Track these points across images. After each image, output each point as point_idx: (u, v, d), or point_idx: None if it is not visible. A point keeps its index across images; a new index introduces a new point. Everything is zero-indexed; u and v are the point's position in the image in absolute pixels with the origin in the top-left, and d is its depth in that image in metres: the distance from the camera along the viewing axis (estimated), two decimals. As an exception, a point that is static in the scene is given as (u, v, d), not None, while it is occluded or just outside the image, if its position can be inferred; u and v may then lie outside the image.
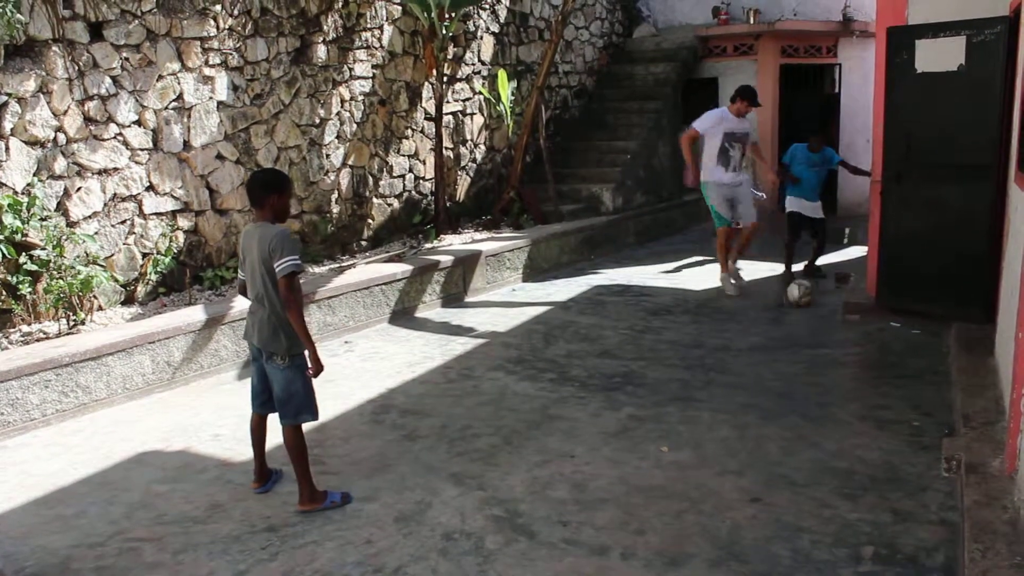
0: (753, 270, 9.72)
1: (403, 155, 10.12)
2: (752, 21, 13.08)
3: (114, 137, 7.13)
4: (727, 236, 8.80)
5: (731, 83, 13.13)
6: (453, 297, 8.70)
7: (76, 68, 6.81)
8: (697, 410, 5.49)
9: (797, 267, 9.45)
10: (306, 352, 4.20)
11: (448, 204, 10.48)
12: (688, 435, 5.10)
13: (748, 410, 5.45)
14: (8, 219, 6.21)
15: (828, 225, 9.60)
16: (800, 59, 13.09)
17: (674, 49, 13.52)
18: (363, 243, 9.64)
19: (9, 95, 6.39)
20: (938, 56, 6.64)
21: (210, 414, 5.76)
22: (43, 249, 6.43)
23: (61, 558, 3.81)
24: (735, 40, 13.25)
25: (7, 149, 6.41)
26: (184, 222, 7.71)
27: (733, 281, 8.82)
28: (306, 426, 5.38)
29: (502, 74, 10.68)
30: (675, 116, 13.04)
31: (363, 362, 6.76)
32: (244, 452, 5.04)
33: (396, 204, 10.11)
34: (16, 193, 6.41)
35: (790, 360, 6.43)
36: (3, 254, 6.04)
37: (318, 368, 4.19)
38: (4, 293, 6.33)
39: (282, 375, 4.21)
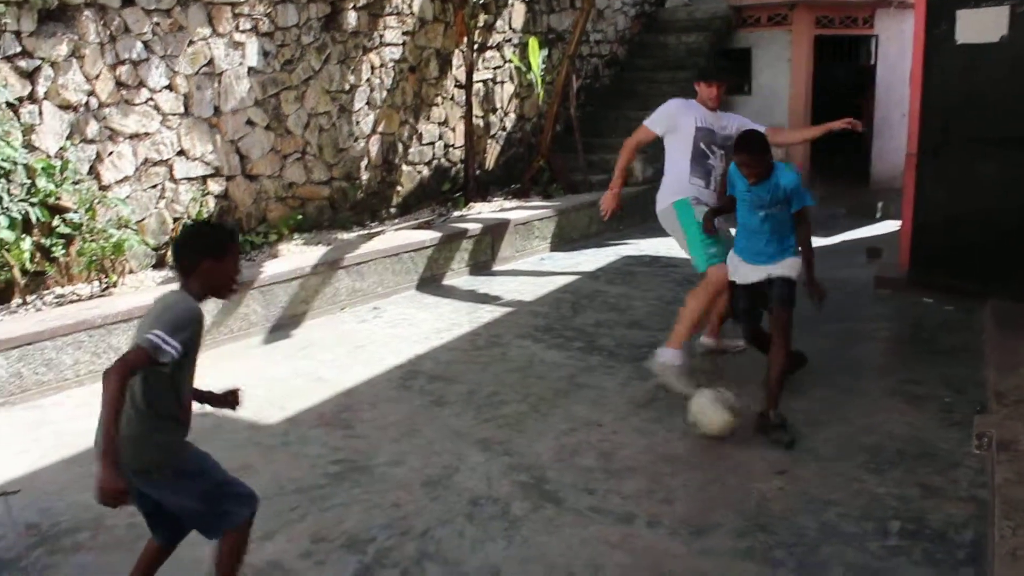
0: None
1: (433, 122, 10.09)
2: (787, -10, 12.89)
3: (145, 102, 7.16)
4: (722, 283, 5.29)
5: (765, 54, 12.99)
6: (481, 265, 8.70)
7: (108, 33, 6.83)
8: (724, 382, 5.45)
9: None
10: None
11: (477, 172, 10.45)
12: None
13: (776, 382, 5.41)
14: (42, 182, 6.26)
15: (849, 200, 9.23)
16: (835, 30, 12.87)
17: (707, 19, 13.34)
18: (392, 210, 9.64)
19: (42, 59, 6.43)
20: (979, 27, 6.50)
21: (239, 377, 5.79)
22: (76, 212, 6.49)
23: (95, 514, 3.87)
24: (769, 10, 13.05)
25: (40, 113, 6.45)
26: (214, 187, 7.75)
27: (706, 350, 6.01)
28: (334, 390, 5.47)
29: (533, 42, 10.59)
30: (707, 87, 12.89)
31: (391, 328, 6.79)
32: (273, 415, 5.09)
33: (425, 171, 10.10)
34: (49, 157, 6.45)
35: (819, 334, 6.36)
36: (37, 217, 6.09)
37: (104, 496, 2.59)
38: (38, 255, 6.40)
39: (178, 490, 2.97)
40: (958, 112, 6.69)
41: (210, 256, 2.93)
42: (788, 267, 4.96)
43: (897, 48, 12.55)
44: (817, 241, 9.35)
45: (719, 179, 5.65)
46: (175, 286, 2.97)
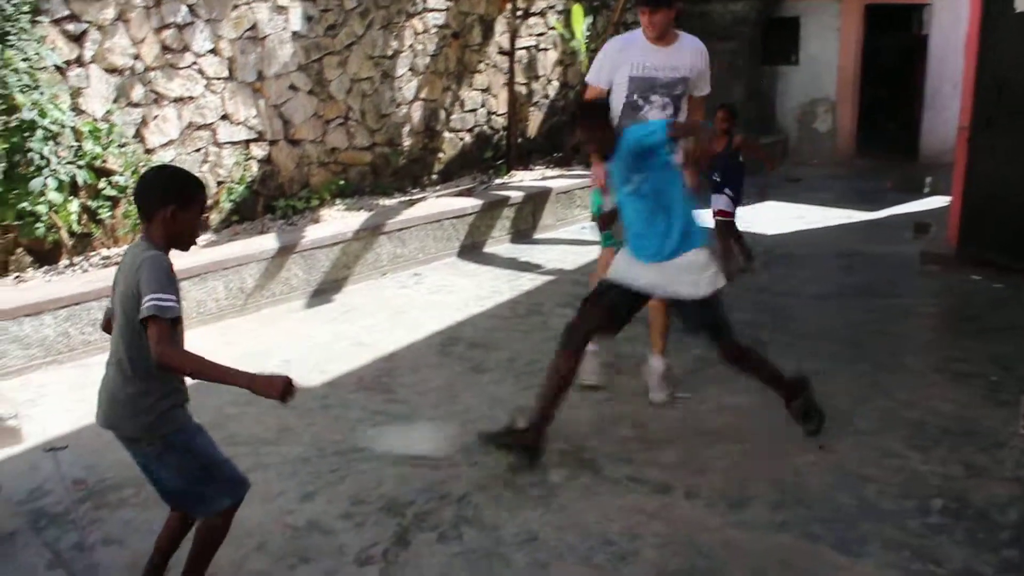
0: (820, 217, 9.49)
1: (475, 89, 10.04)
2: (838, -42, 12.62)
3: (190, 66, 7.20)
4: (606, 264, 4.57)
5: (813, 23, 12.75)
6: (522, 233, 8.68)
7: (154, -4, 6.87)
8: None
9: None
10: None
11: (519, 140, 10.41)
12: (754, 380, 5.03)
13: (815, 357, 5.35)
14: (88, 145, 6.34)
15: (897, 174, 9.09)
16: (887, -1, 12.59)
17: (755, -14, 13.11)
18: (434, 177, 9.64)
19: (89, 23, 6.48)
20: (1040, -5, 6.32)
21: (280, 340, 5.87)
22: (121, 175, 6.56)
23: (138, 472, 3.92)
24: (819, -23, 12.79)
25: (87, 77, 6.52)
26: (257, 151, 7.79)
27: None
28: (374, 354, 5.50)
29: (577, 9, 10.47)
30: (752, 57, 12.69)
31: (432, 294, 6.81)
32: (314, 378, 5.14)
33: (467, 138, 10.07)
34: (96, 120, 6.53)
35: (862, 309, 6.29)
36: (84, 179, 6.17)
37: (280, 390, 2.74)
38: (85, 217, 6.49)
39: (162, 464, 2.84)
40: (1015, 84, 6.52)
41: (176, 202, 2.75)
42: (695, 275, 3.93)
43: (951, 17, 12.22)
44: (861, 215, 9.35)
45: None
46: (143, 245, 2.77)
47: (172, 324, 2.62)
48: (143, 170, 2.95)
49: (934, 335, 5.98)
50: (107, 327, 2.92)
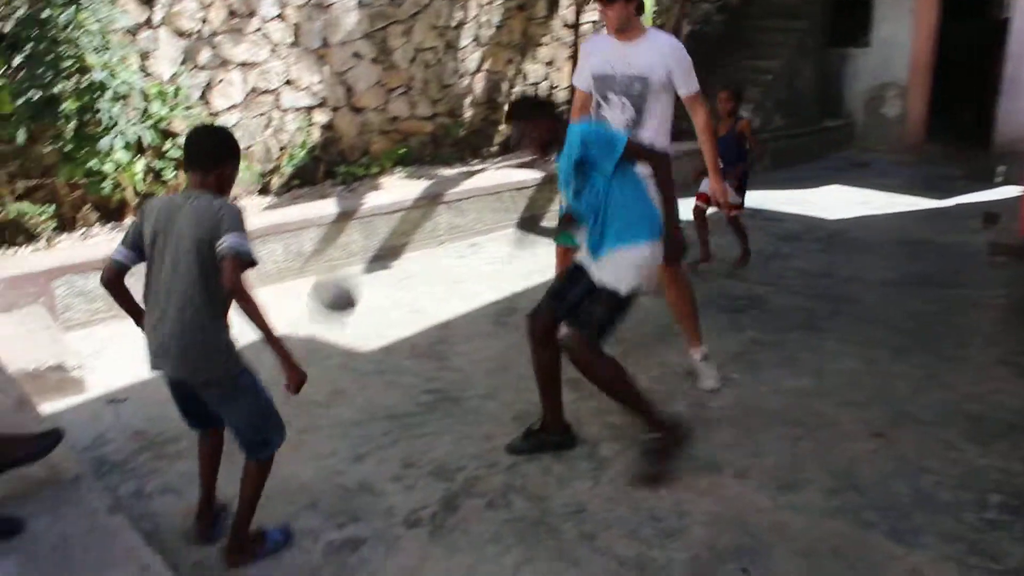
0: (886, 203, 9.29)
1: (539, 62, 9.98)
2: (916, -64, 12.26)
3: (256, 31, 7.26)
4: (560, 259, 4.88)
5: (886, 4, 12.43)
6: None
7: (223, -40, 6.94)
8: (822, 340, 5.33)
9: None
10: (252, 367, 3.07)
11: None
12: (811, 363, 4.97)
13: (876, 344, 5.26)
14: (155, 107, 6.43)
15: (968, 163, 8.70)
16: (966, -20, 12.21)
17: (827, -35, 12.82)
18: (494, 148, 9.62)
19: (161, -15, 6.57)
20: None
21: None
22: (187, 137, 6.65)
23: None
24: (895, -43, 12.44)
25: (156, 39, 6.61)
26: (320, 118, 7.84)
27: None
28: (430, 322, 5.53)
29: (645, -16, 10.36)
30: (822, 37, 12.42)
31: (489, 265, 6.82)
32: (368, 344, 5.19)
33: (528, 112, 10.00)
34: (163, 82, 6.63)
35: (926, 298, 6.16)
36: (150, 140, 6.27)
37: (298, 379, 2.95)
38: (150, 177, 6.60)
39: (233, 405, 3.00)
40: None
41: (235, 158, 2.99)
42: (612, 270, 3.65)
43: (1034, 1, 11.85)
44: (929, 203, 9.14)
45: (627, 125, 4.49)
46: (203, 199, 2.87)
47: (245, 266, 2.77)
48: (197, 128, 3.05)
49: (999, 327, 5.82)
50: (116, 280, 3.00)
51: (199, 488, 3.26)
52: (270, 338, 2.83)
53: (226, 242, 2.75)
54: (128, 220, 6.47)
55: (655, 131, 4.52)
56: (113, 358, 4.94)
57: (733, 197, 6.48)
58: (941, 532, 3.36)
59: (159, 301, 2.89)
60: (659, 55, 4.33)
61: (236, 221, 2.81)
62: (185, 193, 2.93)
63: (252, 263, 2.81)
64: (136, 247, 2.97)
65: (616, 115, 4.47)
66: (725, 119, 6.61)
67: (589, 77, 4.56)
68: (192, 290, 2.83)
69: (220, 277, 2.77)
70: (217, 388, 2.94)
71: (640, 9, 4.42)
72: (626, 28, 4.35)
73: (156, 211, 2.91)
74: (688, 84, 4.47)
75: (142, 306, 3.03)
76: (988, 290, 6.38)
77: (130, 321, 3.12)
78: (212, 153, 2.94)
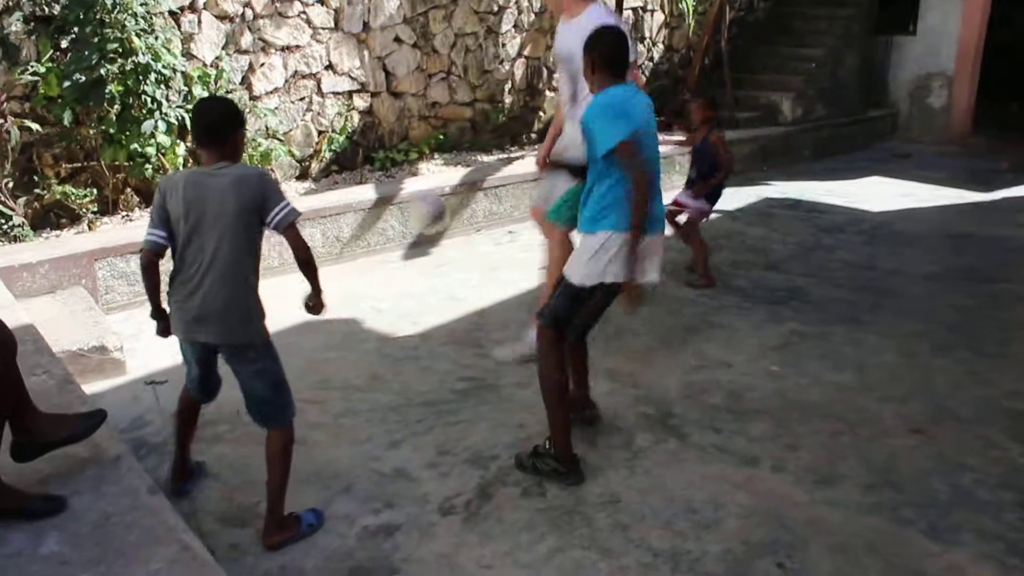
0: (930, 196, 9.14)
1: (578, 50, 9.91)
2: (967, -78, 11.99)
3: (298, 15, 7.28)
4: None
5: (936, -10, 12.18)
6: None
7: (267, -56, 6.96)
8: (863, 333, 5.27)
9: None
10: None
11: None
12: (851, 357, 4.91)
13: (917, 338, 5.19)
14: (198, 90, 6.48)
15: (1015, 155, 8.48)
16: (1018, -33, 11.95)
17: (875, -48, 12.60)
18: (533, 135, 9.59)
19: (204, -32, 6.61)
20: None
21: (374, 289, 5.95)
22: (229, 120, 6.70)
23: (233, 410, 4.05)
24: (945, -58, 12.19)
25: (199, 23, 6.66)
26: (360, 102, 7.86)
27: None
28: (466, 309, 5.54)
29: (687, -30, 10.26)
30: (868, 25, 12.22)
31: (525, 252, 6.80)
32: (404, 328, 5.22)
33: (567, 99, 9.96)
34: (205, 65, 6.68)
35: (970, 292, 6.06)
36: (191, 125, 6.31)
37: (321, 306, 3.30)
38: (191, 161, 6.66)
39: (260, 372, 3.13)
40: None
41: (242, 125, 3.14)
42: (577, 255, 3.62)
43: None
44: (974, 196, 8.99)
45: (567, 101, 4.50)
46: (232, 169, 3.00)
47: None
48: (201, 102, 3.22)
49: (1044, 323, 5.73)
50: (154, 261, 3.11)
51: (175, 449, 3.48)
52: (318, 284, 3.23)
53: (280, 214, 2.99)
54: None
55: None
56: (153, 340, 4.93)
57: (701, 205, 6.23)
58: (980, 531, 3.31)
59: (197, 271, 2.99)
60: (582, 33, 3.84)
61: (277, 190, 3.05)
62: (207, 167, 3.03)
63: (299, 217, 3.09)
64: (166, 224, 3.05)
65: (563, 90, 4.54)
66: (700, 128, 6.24)
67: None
68: (236, 257, 2.98)
69: (257, 245, 3.07)
70: (252, 352, 3.09)
71: None
72: (570, 5, 4.41)
73: (181, 187, 2.98)
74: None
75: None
76: (1033, 285, 6.27)
77: (164, 305, 3.19)
78: (223, 124, 3.06)
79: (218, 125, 3.05)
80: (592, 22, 4.06)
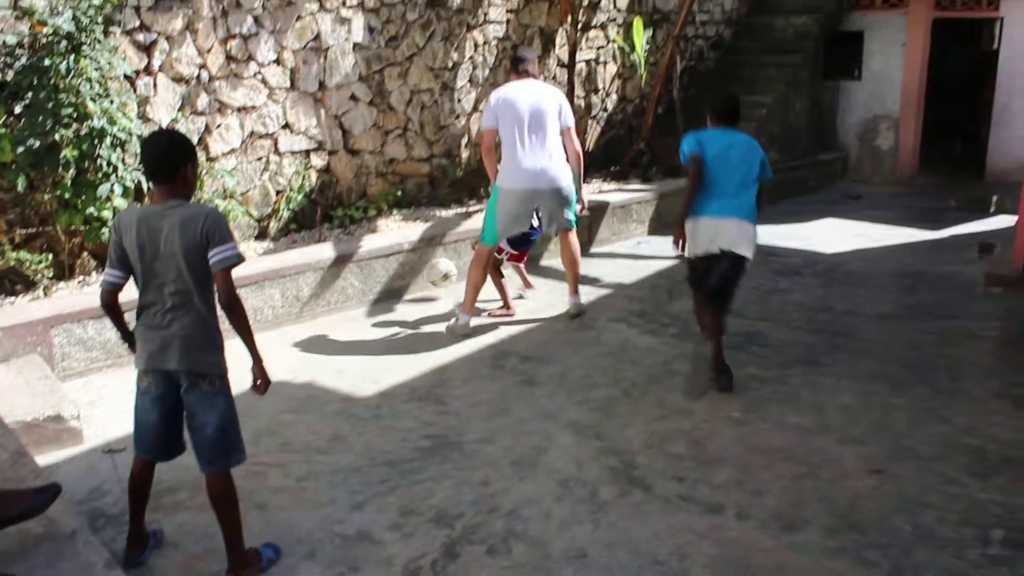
0: (881, 235, 9.33)
1: (533, 102, 10.04)
2: (906, -29, 12.39)
3: (254, 75, 7.32)
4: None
5: (877, 38, 12.55)
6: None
7: (220, 8, 7.00)
8: (821, 375, 5.34)
9: None
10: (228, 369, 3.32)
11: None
12: (811, 399, 4.97)
13: (875, 378, 5.27)
14: (154, 152, 6.47)
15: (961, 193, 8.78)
16: (956, 12, 12.30)
17: (818, 0, 12.96)
18: (491, 189, 9.64)
19: (159, 33, 6.63)
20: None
21: (335, 348, 5.93)
22: (185, 182, 6.69)
23: (193, 476, 3.98)
24: (886, -9, 12.58)
25: (155, 85, 6.67)
26: (317, 161, 7.89)
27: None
28: (427, 366, 5.54)
29: (638, 22, 10.44)
30: (815, 71, 12.53)
31: (486, 306, 6.82)
32: (367, 388, 5.19)
33: (523, 151, 10.06)
34: (161, 128, 6.67)
35: (923, 330, 6.17)
36: (148, 186, 6.29)
37: (267, 381, 3.32)
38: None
39: (215, 404, 3.20)
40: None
41: (191, 158, 3.16)
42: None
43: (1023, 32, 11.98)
44: (924, 235, 9.19)
45: None
46: (181, 208, 3.09)
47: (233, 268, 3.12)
48: (148, 137, 3.27)
49: (996, 359, 5.83)
50: (114, 300, 3.27)
51: (130, 518, 3.44)
52: (252, 343, 3.20)
53: (215, 257, 3.06)
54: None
55: None
56: (110, 407, 4.94)
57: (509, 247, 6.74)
58: (944, 569, 3.35)
59: (158, 304, 3.14)
60: (544, 94, 6.15)
61: (222, 229, 3.08)
62: (159, 205, 3.11)
63: (240, 262, 3.13)
64: (123, 263, 3.18)
65: (513, 135, 6.15)
66: None
67: None
68: (189, 293, 3.11)
69: (212, 281, 3.13)
70: (208, 384, 3.18)
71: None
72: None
73: (135, 224, 3.09)
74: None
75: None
76: (984, 321, 6.39)
77: (127, 369, 3.22)
78: (171, 156, 3.11)
79: (165, 158, 3.10)
80: (542, 86, 6.21)
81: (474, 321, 6.28)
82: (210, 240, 3.05)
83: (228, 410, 3.23)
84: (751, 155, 5.16)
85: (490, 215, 6.24)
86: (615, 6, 10.93)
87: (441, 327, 6.34)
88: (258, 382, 3.28)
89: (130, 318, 3.36)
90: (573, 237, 6.50)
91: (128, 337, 3.37)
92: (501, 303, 6.71)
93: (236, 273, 3.12)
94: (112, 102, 6.05)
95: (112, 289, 3.24)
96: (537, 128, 6.02)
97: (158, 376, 3.21)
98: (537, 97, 6.06)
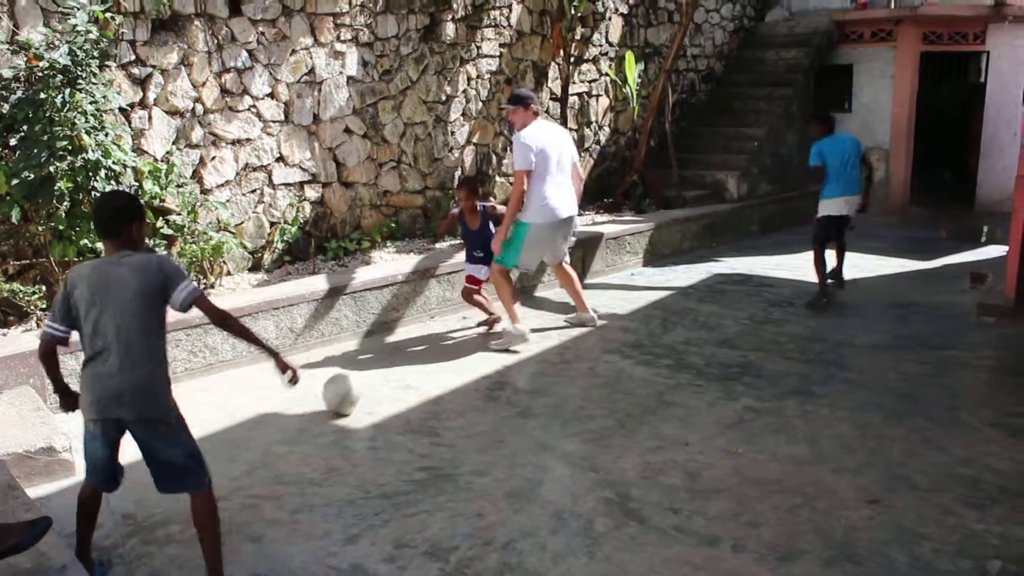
0: (874, 266, 9.38)
1: (526, 135, 10.10)
2: (893, 5, 12.54)
3: (248, 109, 7.36)
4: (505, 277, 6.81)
5: (867, 71, 12.71)
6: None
7: (215, 42, 7.06)
8: (816, 405, 5.34)
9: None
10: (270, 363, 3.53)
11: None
12: (805, 430, 4.96)
13: (869, 408, 5.27)
14: (148, 185, 6.49)
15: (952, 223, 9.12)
16: (943, 46, 12.47)
17: (808, 34, 13.09)
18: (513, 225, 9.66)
19: (154, 67, 6.68)
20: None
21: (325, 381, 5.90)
22: (179, 215, 6.71)
23: (185, 509, 3.95)
24: (873, 25, 12.71)
25: (150, 118, 6.71)
26: (311, 193, 7.92)
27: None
28: (422, 397, 5.53)
29: (630, 56, 10.56)
30: (806, 103, 12.65)
31: (481, 338, 6.83)
32: (362, 420, 5.17)
33: (517, 183, 10.11)
34: (156, 160, 6.70)
35: (917, 360, 6.18)
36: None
37: (294, 369, 3.51)
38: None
39: (177, 441, 3.31)
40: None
41: (137, 219, 3.33)
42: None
43: (1009, 64, 12.12)
44: (916, 265, 9.24)
45: None
46: (133, 257, 3.26)
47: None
48: (99, 196, 3.49)
49: (990, 388, 5.84)
50: (52, 353, 3.36)
51: (77, 546, 3.46)
52: (262, 345, 3.50)
53: (182, 294, 3.24)
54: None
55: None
56: (104, 439, 4.90)
57: (485, 274, 6.93)
58: (941, 602, 3.33)
59: (107, 354, 3.17)
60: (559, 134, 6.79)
61: (177, 272, 3.28)
62: (109, 257, 3.28)
63: (201, 294, 3.30)
64: (67, 318, 3.25)
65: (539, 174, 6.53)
66: (471, 215, 6.88)
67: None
68: (142, 338, 3.19)
69: (163, 327, 3.30)
70: (164, 425, 3.25)
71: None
72: (527, 120, 6.55)
73: (87, 276, 3.22)
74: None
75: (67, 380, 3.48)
76: (977, 351, 6.41)
77: None
78: (117, 217, 3.29)
79: (112, 219, 3.29)
80: (555, 126, 6.99)
81: (467, 333, 6.63)
82: (169, 281, 3.23)
83: (190, 444, 3.35)
84: (855, 149, 7.66)
85: (515, 249, 6.61)
86: (607, 40, 11.04)
87: (435, 358, 6.33)
88: (287, 373, 3.47)
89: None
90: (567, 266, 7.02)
91: (63, 389, 3.45)
92: (484, 316, 7.06)
93: (230, 304, 3.18)
94: (107, 135, 6.08)
95: (51, 340, 3.31)
96: (562, 167, 6.58)
97: (108, 423, 3.25)
98: (560, 138, 6.69)
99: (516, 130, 6.58)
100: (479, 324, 7.15)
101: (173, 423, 3.28)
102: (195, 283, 3.27)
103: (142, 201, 6.28)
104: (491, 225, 6.83)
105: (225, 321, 3.39)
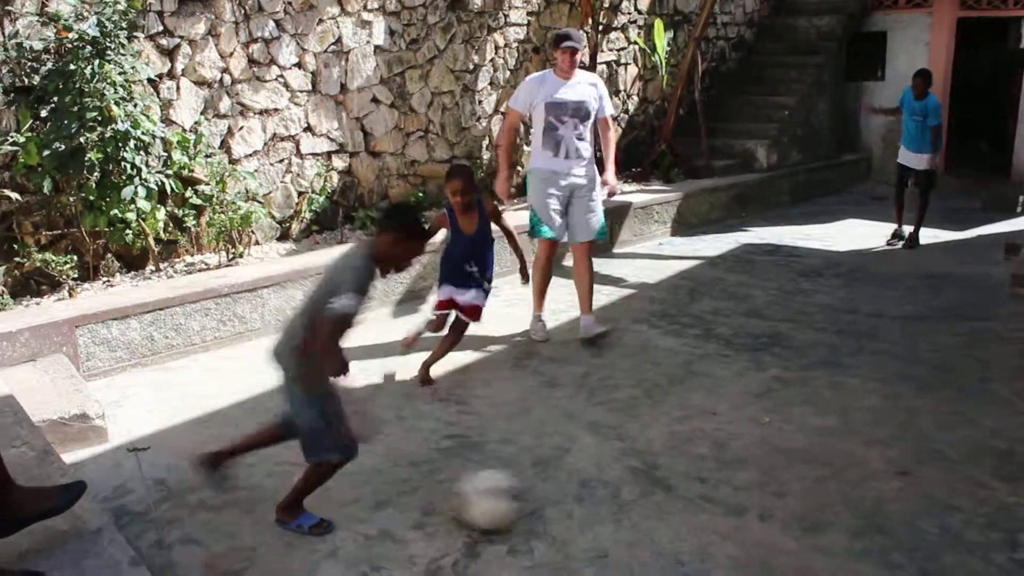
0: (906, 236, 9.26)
1: (554, 104, 10.04)
2: (930, -30, 12.30)
3: (275, 79, 7.37)
4: (548, 253, 6.16)
5: (901, 38, 12.48)
6: (599, 248, 8.58)
7: (243, 12, 7.05)
8: (846, 376, 5.30)
9: (907, 226, 9.06)
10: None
11: (598, 154, 10.36)
12: (835, 401, 4.93)
13: (900, 380, 5.22)
14: (177, 155, 6.53)
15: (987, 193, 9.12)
16: (982, 11, 12.18)
17: (840, 1, 12.88)
18: (512, 190, 9.64)
19: (182, 38, 6.69)
20: None
21: (357, 350, 5.92)
22: (207, 185, 6.74)
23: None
24: (909, -9, 12.49)
25: (178, 89, 6.73)
26: (338, 163, 7.93)
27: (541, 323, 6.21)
28: (449, 366, 5.52)
29: (659, 24, 10.43)
30: (838, 72, 12.47)
31: (507, 308, 6.82)
32: (389, 388, 5.19)
33: (544, 153, 10.06)
34: (184, 131, 6.73)
35: (949, 332, 6.11)
36: (171, 188, 6.35)
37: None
38: (171, 225, 6.68)
39: (303, 411, 3.58)
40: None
41: (400, 233, 3.56)
42: (923, 161, 8.91)
43: (1049, 32, 11.84)
44: (950, 235, 9.12)
45: (574, 144, 5.93)
46: (323, 252, 3.26)
47: (340, 322, 3.37)
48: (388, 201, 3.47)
49: (1023, 361, 5.77)
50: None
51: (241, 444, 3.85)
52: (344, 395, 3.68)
53: (333, 301, 3.34)
54: (149, 268, 6.53)
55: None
56: (134, 407, 4.97)
57: (482, 299, 5.50)
58: (971, 573, 3.31)
59: None
60: (594, 91, 6.02)
61: (356, 278, 3.43)
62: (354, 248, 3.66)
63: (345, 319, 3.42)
64: None
65: (570, 133, 5.93)
66: (467, 214, 5.42)
67: (535, 100, 5.93)
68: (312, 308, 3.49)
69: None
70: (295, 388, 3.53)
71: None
72: (567, 70, 5.92)
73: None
74: (608, 108, 6.14)
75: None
76: (1011, 323, 6.33)
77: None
78: (390, 219, 3.65)
79: (387, 217, 3.74)
80: (588, 77, 6.12)
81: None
82: (340, 286, 3.42)
83: (315, 419, 3.57)
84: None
85: (533, 209, 6.13)
86: (636, 8, 10.92)
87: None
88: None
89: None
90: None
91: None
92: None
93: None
94: (136, 106, 6.11)
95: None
96: (578, 118, 6.02)
97: None
98: (580, 89, 6.03)
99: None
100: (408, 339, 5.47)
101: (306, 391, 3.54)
102: (343, 305, 3.36)
103: (171, 171, 6.36)
104: (491, 227, 5.59)
105: (318, 353, 3.47)
